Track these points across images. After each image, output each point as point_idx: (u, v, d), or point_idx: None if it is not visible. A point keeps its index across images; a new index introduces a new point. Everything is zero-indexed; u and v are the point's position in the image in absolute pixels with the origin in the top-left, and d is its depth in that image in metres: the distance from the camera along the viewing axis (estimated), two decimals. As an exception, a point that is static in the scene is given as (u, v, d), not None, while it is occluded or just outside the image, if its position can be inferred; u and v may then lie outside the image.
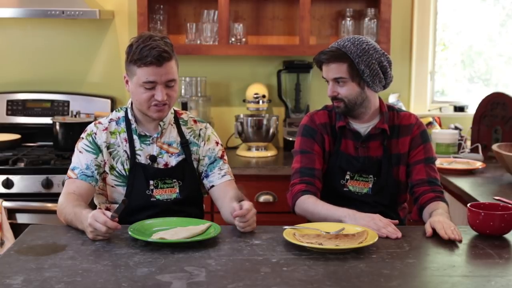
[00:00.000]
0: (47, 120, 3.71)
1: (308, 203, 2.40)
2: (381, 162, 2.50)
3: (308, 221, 2.41)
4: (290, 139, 3.72)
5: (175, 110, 2.48)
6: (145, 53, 2.22)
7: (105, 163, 2.36)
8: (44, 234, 2.15)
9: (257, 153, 3.67)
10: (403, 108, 3.76)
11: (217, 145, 2.47)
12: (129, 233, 2.06)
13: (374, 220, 2.22)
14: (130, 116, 2.39)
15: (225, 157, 2.48)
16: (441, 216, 2.23)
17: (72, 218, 2.18)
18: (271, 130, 3.71)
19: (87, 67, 3.92)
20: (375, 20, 3.73)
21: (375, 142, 2.51)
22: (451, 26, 4.20)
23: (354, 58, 2.41)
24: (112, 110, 3.76)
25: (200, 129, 2.47)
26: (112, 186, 2.38)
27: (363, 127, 2.52)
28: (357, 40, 2.44)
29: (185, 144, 2.42)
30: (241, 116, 3.73)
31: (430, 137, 2.62)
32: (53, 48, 3.90)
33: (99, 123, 2.41)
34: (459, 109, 4.03)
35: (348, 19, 3.77)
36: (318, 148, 2.52)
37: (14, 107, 3.82)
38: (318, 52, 2.48)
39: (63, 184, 3.20)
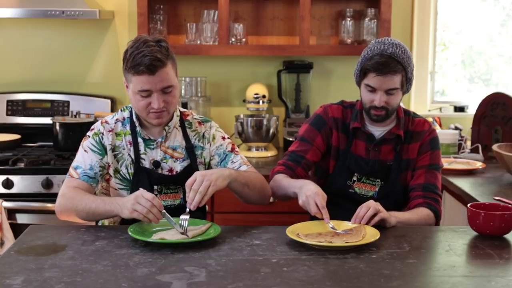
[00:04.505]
0: (47, 120, 3.71)
1: (276, 179, 2.44)
2: (391, 167, 2.47)
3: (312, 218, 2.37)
4: (290, 139, 3.71)
5: (181, 112, 2.42)
6: (137, 61, 2.16)
7: (109, 165, 2.33)
8: (44, 234, 2.15)
9: (257, 153, 3.67)
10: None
11: (223, 139, 2.41)
12: (129, 233, 2.06)
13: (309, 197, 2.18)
14: (134, 119, 2.35)
15: (237, 149, 2.42)
16: (381, 208, 2.19)
17: (97, 204, 2.16)
18: (271, 130, 3.70)
19: (87, 67, 3.92)
20: (375, 20, 3.73)
21: (388, 146, 2.48)
22: (451, 26, 4.20)
23: (406, 67, 2.36)
24: (112, 110, 3.77)
25: (205, 131, 2.42)
26: (116, 189, 2.35)
27: (378, 131, 2.48)
28: (402, 46, 2.36)
29: (190, 149, 2.37)
30: (241, 116, 3.73)
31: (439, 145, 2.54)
32: (53, 48, 3.90)
33: (106, 122, 2.36)
34: (459, 109, 4.03)
35: (348, 19, 3.77)
36: (320, 141, 2.50)
37: (14, 107, 3.82)
38: (368, 59, 2.35)
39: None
